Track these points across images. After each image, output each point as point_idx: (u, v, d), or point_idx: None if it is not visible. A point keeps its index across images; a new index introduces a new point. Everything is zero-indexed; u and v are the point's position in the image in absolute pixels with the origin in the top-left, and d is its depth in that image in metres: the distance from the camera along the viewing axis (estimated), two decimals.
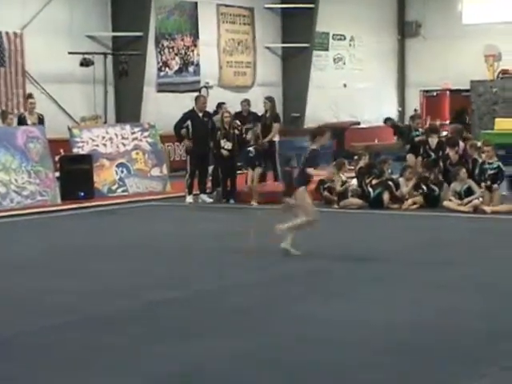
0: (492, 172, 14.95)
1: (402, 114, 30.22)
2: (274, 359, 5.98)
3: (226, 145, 16.55)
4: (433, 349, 6.16)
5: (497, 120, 26.83)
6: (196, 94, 19.60)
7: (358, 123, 26.59)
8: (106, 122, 19.78)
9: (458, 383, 5.49)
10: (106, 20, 21.84)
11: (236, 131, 16.94)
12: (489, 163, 15.08)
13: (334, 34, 28.39)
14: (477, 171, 15.20)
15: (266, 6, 25.55)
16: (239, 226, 12.38)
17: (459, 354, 6.04)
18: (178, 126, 16.98)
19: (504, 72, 28.44)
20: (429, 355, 5.99)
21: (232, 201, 16.57)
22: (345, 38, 28.93)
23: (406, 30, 30.71)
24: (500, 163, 15.23)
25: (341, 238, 12.19)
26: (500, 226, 13.32)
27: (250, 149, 16.43)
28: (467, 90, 28.59)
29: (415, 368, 5.74)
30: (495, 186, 14.78)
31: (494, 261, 10.02)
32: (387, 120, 23.91)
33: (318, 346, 6.32)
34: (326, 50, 28.00)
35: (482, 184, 14.85)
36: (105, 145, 17.99)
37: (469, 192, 14.84)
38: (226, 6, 24.30)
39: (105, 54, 20.39)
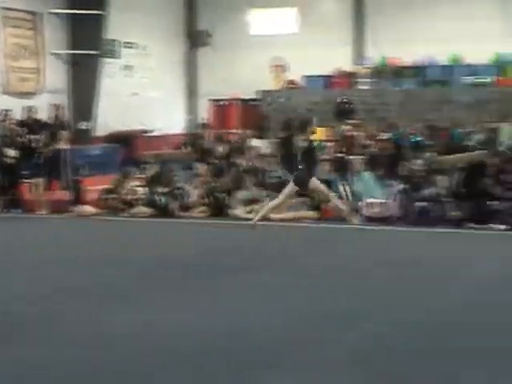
0: (277, 180, 15.47)
1: (192, 122, 30.54)
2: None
3: (10, 153, 16.12)
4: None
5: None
6: None
7: (150, 131, 26.64)
8: None
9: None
10: None
11: (21, 139, 16.53)
12: (273, 172, 15.61)
13: (124, 42, 28.27)
14: (263, 179, 15.68)
15: (52, 11, 25.05)
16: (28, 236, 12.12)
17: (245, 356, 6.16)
18: None
19: (290, 82, 29.42)
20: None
21: (19, 210, 16.17)
22: (136, 47, 28.89)
23: (196, 39, 31.09)
24: (283, 172, 15.82)
25: (128, 245, 12.20)
26: (286, 233, 13.75)
27: (37, 157, 16.10)
28: (256, 100, 29.33)
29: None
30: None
31: (281, 266, 10.33)
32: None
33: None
34: (116, 57, 27.85)
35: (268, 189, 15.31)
36: None
37: (256, 200, 15.24)
38: (10, 9, 23.58)
39: None
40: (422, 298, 8.25)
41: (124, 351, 6.32)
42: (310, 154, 12.96)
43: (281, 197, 12.97)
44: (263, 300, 8.19)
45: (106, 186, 14.87)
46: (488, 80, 26.71)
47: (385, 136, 23.38)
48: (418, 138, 23.31)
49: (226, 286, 8.97)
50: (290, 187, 12.79)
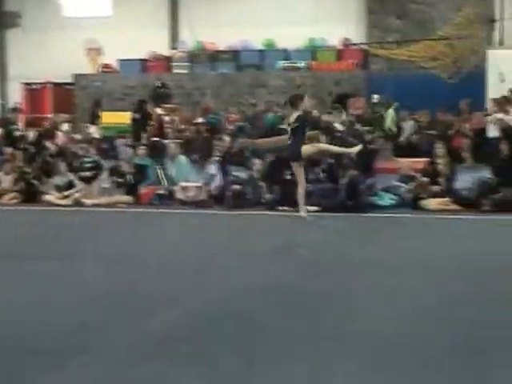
0: (90, 165, 15.30)
1: (3, 107, 29.58)
2: None
3: None
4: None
5: (101, 114, 27.47)
6: None
7: None
8: None
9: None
10: None
11: None
12: (87, 157, 15.42)
13: None
14: (76, 164, 15.46)
15: None
16: None
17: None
18: None
19: (106, 66, 29.05)
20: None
21: None
22: None
23: (4, 20, 30.09)
24: (97, 157, 15.70)
25: None
26: (99, 218, 13.61)
27: None
28: (71, 84, 28.77)
29: None
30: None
31: (90, 252, 10.16)
32: None
33: None
34: None
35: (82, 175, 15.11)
36: None
37: (70, 186, 15.01)
38: None
39: None
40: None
41: None
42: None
43: (300, 179, 12.43)
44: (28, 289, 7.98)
45: None
46: (301, 64, 27.45)
47: (200, 120, 23.63)
48: (241, 124, 23.73)
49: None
50: (297, 166, 12.43)
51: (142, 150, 15.70)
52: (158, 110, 19.62)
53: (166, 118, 20.66)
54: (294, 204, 13.43)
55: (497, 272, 8.40)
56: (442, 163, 13.42)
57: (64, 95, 28.48)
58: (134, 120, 19.58)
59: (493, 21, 26.50)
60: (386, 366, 5.42)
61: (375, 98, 24.02)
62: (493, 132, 17.06)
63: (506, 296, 7.31)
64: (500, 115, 16.92)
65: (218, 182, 14.76)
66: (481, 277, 8.21)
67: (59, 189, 14.97)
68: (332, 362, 5.49)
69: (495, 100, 17.80)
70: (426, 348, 5.78)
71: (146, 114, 19.61)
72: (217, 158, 15.75)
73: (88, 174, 15.22)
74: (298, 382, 5.16)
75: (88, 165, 15.27)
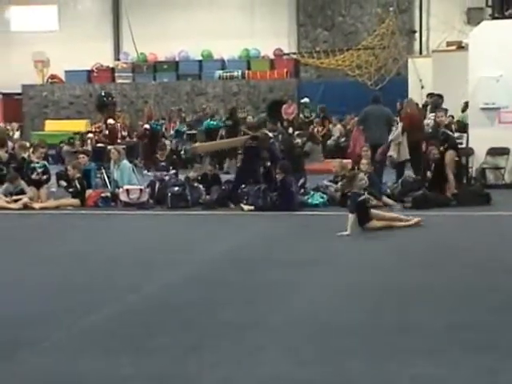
0: (40, 170, 15.17)
1: None
2: None
3: None
4: None
5: (47, 122, 27.28)
6: None
7: None
8: None
9: None
10: None
11: None
12: (37, 162, 15.28)
13: None
14: (25, 169, 15.30)
15: None
16: None
17: None
18: None
19: (53, 77, 28.85)
20: None
21: None
22: None
23: None
24: (46, 162, 15.60)
25: None
26: (47, 221, 13.52)
27: None
28: (19, 94, 28.51)
29: None
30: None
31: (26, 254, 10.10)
32: None
33: None
34: None
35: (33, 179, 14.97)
36: None
37: (21, 191, 14.82)
38: None
39: None
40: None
41: None
42: None
43: None
44: None
45: None
46: (237, 73, 27.59)
47: (144, 126, 23.63)
48: (183, 129, 23.80)
49: None
50: None
51: (83, 159, 15.62)
52: (111, 120, 19.53)
53: (117, 126, 20.56)
54: (235, 203, 13.63)
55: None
56: (365, 163, 13.60)
57: (13, 105, 28.21)
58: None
59: (413, 32, 26.98)
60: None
61: (304, 99, 24.33)
62: None
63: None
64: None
65: (158, 184, 14.75)
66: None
67: (11, 194, 14.75)
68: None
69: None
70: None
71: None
72: (161, 163, 15.75)
73: (38, 178, 15.07)
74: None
75: (39, 169, 15.13)
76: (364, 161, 13.78)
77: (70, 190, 14.71)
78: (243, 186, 14.15)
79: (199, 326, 6.24)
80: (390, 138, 15.33)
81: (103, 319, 6.54)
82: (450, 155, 14.03)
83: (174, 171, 15.39)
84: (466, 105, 17.97)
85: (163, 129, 23.37)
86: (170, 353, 5.58)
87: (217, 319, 6.44)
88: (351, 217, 10.59)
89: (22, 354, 5.61)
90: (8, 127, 22.11)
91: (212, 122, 23.57)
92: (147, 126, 23.37)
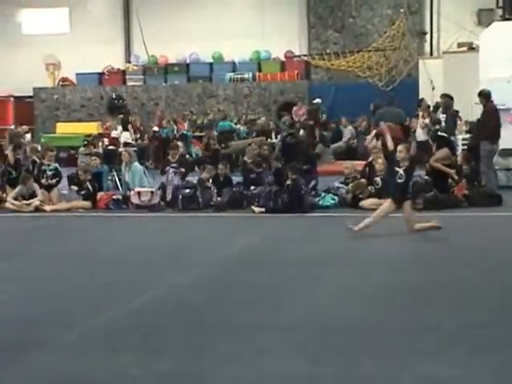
0: (51, 173, 15.21)
1: None
2: None
3: None
4: None
5: (58, 124, 27.38)
6: None
7: None
8: None
9: None
10: None
11: None
12: (48, 165, 15.33)
13: None
14: (36, 172, 15.35)
15: None
16: None
17: None
18: None
19: (64, 80, 28.97)
20: None
21: None
22: None
23: None
24: (57, 165, 15.65)
25: None
26: (58, 223, 13.58)
27: None
28: (31, 97, 28.64)
29: None
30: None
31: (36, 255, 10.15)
32: None
33: None
34: None
35: (43, 182, 15.00)
36: None
37: (33, 194, 14.88)
38: None
39: None
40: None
41: None
42: None
43: None
44: None
45: None
46: (247, 75, 27.61)
47: (156, 129, 23.69)
48: (188, 133, 23.86)
49: None
50: None
51: (95, 161, 15.68)
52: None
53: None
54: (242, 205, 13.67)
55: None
56: (381, 163, 13.61)
57: (25, 108, 28.33)
58: None
59: (424, 33, 26.94)
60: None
61: (317, 100, 24.31)
62: (420, 136, 17.39)
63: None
64: (427, 120, 17.22)
65: (170, 186, 14.78)
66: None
67: (23, 197, 14.81)
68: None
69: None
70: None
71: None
72: (173, 164, 15.79)
73: (50, 181, 15.13)
74: None
75: (50, 172, 15.19)
76: (380, 160, 13.79)
77: (82, 192, 14.77)
78: (253, 188, 14.23)
79: (209, 326, 6.27)
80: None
81: (112, 320, 6.58)
82: (441, 152, 14.30)
83: (183, 170, 15.31)
84: None
85: (174, 131, 23.38)
86: (179, 353, 5.61)
87: (227, 319, 6.47)
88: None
89: (32, 355, 5.66)
90: (19, 129, 22.19)
91: (226, 123, 23.68)
92: (156, 129, 23.44)
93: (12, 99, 28.60)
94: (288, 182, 13.30)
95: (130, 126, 20.40)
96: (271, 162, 14.76)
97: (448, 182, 14.12)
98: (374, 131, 15.94)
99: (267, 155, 15.92)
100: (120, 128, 20.13)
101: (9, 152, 15.64)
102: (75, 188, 15.00)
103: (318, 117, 22.59)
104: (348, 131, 23.57)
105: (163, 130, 23.32)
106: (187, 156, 21.18)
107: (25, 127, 24.38)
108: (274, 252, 9.80)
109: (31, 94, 28.51)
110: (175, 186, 14.64)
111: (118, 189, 16.32)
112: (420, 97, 20.95)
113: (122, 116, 20.23)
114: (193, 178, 15.35)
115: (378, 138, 15.43)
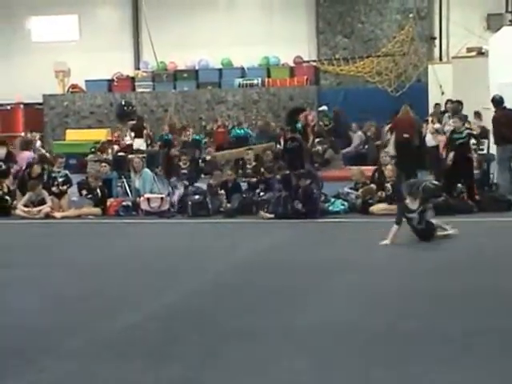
0: (61, 180, 15.25)
1: None
2: None
3: None
4: None
5: (68, 131, 27.45)
6: None
7: None
8: None
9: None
10: None
11: None
12: (58, 172, 15.37)
13: None
14: (46, 179, 15.39)
15: None
16: None
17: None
18: None
19: (73, 87, 29.04)
20: None
21: None
22: None
23: None
24: (67, 172, 15.69)
25: None
26: (68, 229, 13.61)
27: None
28: (40, 104, 28.72)
29: None
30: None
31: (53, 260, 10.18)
32: None
33: None
34: None
35: (53, 189, 15.05)
36: None
37: (43, 201, 14.92)
38: None
39: None
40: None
41: None
42: None
43: None
44: None
45: None
46: (256, 81, 27.61)
47: (164, 136, 23.67)
48: (198, 137, 23.89)
49: None
50: None
51: (104, 168, 15.73)
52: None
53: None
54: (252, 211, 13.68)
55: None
56: (390, 169, 13.60)
57: (34, 114, 28.41)
58: None
59: (433, 38, 26.91)
60: None
61: (323, 107, 24.31)
62: (430, 142, 17.35)
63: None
64: (437, 125, 17.19)
65: (179, 192, 14.80)
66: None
67: (33, 203, 14.84)
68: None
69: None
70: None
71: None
72: (183, 170, 15.84)
73: (60, 188, 15.16)
74: None
75: (60, 179, 15.24)
76: (389, 167, 13.79)
77: (89, 196, 14.80)
78: (262, 193, 14.26)
79: (220, 332, 6.27)
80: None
81: (123, 326, 6.60)
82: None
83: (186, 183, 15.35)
84: None
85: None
86: (190, 359, 5.62)
87: (238, 325, 6.48)
88: (396, 228, 10.49)
89: (44, 360, 5.68)
90: (29, 135, 22.25)
91: (240, 131, 23.72)
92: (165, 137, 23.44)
93: (22, 106, 28.67)
94: (300, 189, 13.28)
95: (144, 133, 20.44)
96: (274, 171, 14.73)
97: (458, 187, 14.03)
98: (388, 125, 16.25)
99: (270, 161, 15.97)
100: (132, 134, 20.15)
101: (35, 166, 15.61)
102: (85, 193, 15.02)
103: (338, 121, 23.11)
104: (357, 137, 23.55)
105: (165, 136, 23.37)
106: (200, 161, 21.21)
107: (35, 134, 24.44)
108: (284, 258, 9.80)
109: (41, 100, 28.58)
110: (185, 192, 14.68)
111: (128, 195, 16.35)
112: (429, 102, 20.96)
113: (133, 122, 20.22)
114: (202, 185, 15.39)
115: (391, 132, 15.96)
